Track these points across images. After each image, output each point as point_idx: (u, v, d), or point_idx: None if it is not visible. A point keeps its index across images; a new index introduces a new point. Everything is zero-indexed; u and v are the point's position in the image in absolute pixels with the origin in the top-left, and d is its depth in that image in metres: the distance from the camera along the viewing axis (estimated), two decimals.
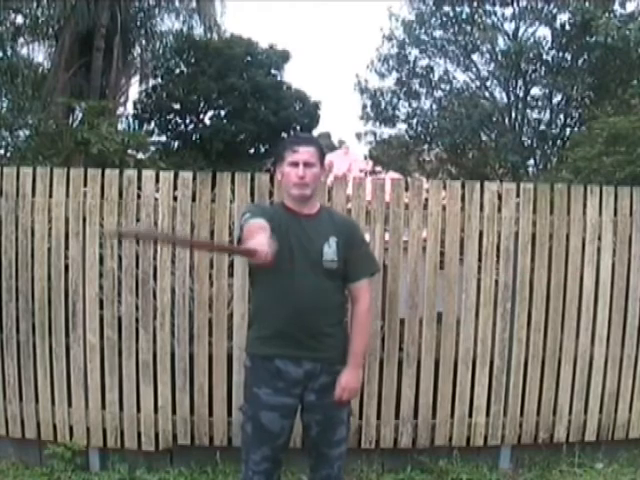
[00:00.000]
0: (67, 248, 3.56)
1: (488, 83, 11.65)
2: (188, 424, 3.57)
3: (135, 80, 14.81)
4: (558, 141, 11.04)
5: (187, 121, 15.95)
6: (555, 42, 10.54)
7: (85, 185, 3.55)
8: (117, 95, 13.21)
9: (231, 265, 3.56)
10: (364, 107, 12.14)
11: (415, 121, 11.90)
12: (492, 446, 3.69)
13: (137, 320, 3.55)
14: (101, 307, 3.56)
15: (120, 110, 13.71)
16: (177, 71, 15.47)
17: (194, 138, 15.75)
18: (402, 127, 12.21)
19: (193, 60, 15.21)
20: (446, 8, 11.15)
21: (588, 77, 9.92)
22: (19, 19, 11.90)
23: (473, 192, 3.65)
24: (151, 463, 3.61)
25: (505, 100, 11.38)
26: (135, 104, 15.36)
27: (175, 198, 3.57)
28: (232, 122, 15.17)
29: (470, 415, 3.66)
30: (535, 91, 11.16)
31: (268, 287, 2.51)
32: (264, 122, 15.07)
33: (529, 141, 11.37)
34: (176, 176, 3.58)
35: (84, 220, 3.54)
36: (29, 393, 3.58)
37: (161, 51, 14.43)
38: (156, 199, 3.57)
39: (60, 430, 3.57)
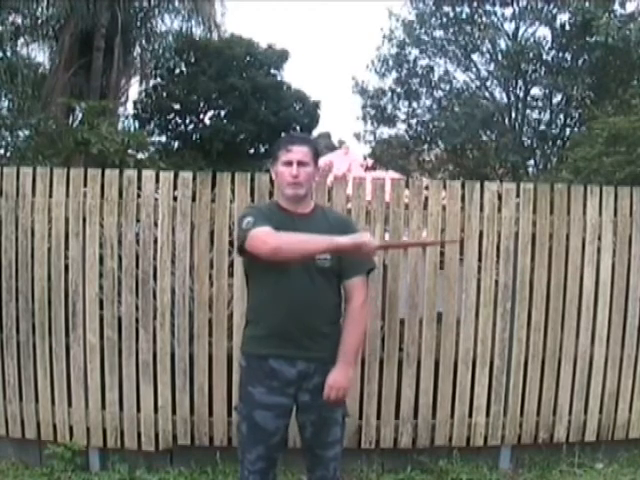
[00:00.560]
0: (67, 248, 3.56)
1: (488, 83, 11.64)
2: (188, 424, 3.57)
3: (135, 80, 14.83)
4: (558, 141, 11.03)
5: (187, 121, 15.94)
6: (555, 42, 10.54)
7: (85, 185, 3.55)
8: (117, 95, 13.21)
9: (231, 265, 3.56)
10: (364, 107, 12.13)
11: (415, 121, 11.89)
12: (492, 446, 3.69)
13: (137, 320, 3.56)
14: (101, 307, 3.56)
15: (120, 110, 13.72)
16: (177, 71, 15.46)
17: (194, 138, 15.75)
18: (402, 127, 12.21)
19: (193, 60, 15.20)
20: (446, 8, 11.14)
21: (588, 77, 9.91)
22: (19, 19, 11.90)
23: (473, 192, 3.65)
24: (151, 463, 3.61)
25: (505, 100, 11.37)
26: (135, 104, 15.36)
27: (175, 198, 3.57)
28: (232, 122, 15.17)
29: (470, 415, 3.66)
30: (535, 91, 11.15)
31: (263, 287, 2.52)
32: (264, 122, 15.07)
33: (529, 141, 11.36)
34: (176, 176, 3.58)
35: (84, 220, 3.55)
36: (29, 393, 3.58)
37: (161, 51, 14.42)
38: (156, 199, 3.57)
39: (60, 430, 3.57)
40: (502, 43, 10.97)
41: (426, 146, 12.21)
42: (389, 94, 11.89)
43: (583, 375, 3.74)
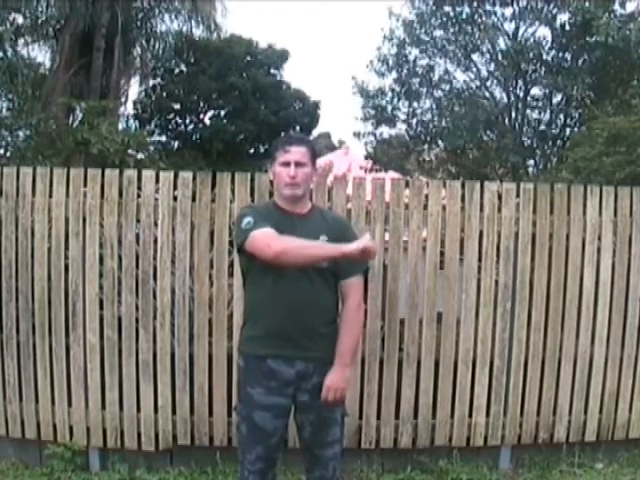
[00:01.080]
0: (67, 248, 3.56)
1: (488, 83, 11.63)
2: (188, 424, 3.57)
3: (135, 80, 14.84)
4: (558, 141, 11.03)
5: (187, 121, 15.96)
6: (555, 42, 10.53)
7: (85, 185, 3.55)
8: (117, 95, 13.21)
9: (231, 265, 3.56)
10: (364, 107, 12.13)
11: (415, 121, 11.88)
12: (492, 446, 3.69)
13: (137, 320, 3.56)
14: (101, 307, 3.56)
15: (120, 110, 13.71)
16: (177, 71, 15.49)
17: (194, 138, 15.76)
18: (402, 127, 12.20)
19: (193, 60, 15.22)
20: (446, 8, 11.14)
21: (588, 77, 9.91)
22: (19, 19, 11.91)
23: (473, 192, 3.65)
24: (151, 463, 3.61)
25: (505, 100, 11.37)
26: (135, 104, 15.38)
27: (175, 198, 3.57)
28: (232, 122, 15.19)
29: (470, 415, 3.66)
30: (535, 91, 11.15)
31: (260, 287, 2.52)
32: (264, 122, 15.09)
33: (529, 141, 11.35)
34: (176, 176, 3.58)
35: (84, 220, 3.55)
36: (29, 393, 3.58)
37: (161, 51, 14.42)
38: (156, 199, 3.57)
39: (60, 430, 3.57)
40: (502, 43, 10.97)
41: (426, 146, 12.21)
42: (389, 94, 11.89)
43: (583, 375, 3.74)
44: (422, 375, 3.62)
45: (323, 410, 2.53)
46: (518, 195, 3.70)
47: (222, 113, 15.82)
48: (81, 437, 3.57)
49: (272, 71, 16.11)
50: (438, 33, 11.48)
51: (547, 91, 10.96)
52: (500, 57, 10.96)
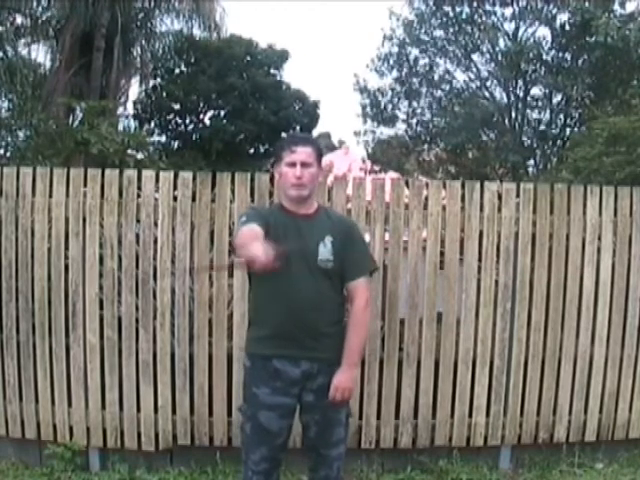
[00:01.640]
0: (67, 248, 3.56)
1: (488, 83, 11.64)
2: (188, 424, 3.57)
3: (135, 80, 14.83)
4: (558, 141, 11.03)
5: (187, 121, 15.96)
6: (555, 42, 10.54)
7: (85, 185, 3.55)
8: (117, 95, 13.21)
9: (231, 265, 3.56)
10: (364, 107, 12.13)
11: (415, 121, 11.89)
12: (492, 446, 3.69)
13: (137, 320, 3.55)
14: (101, 307, 3.56)
15: (120, 110, 13.71)
16: (177, 71, 15.48)
17: (194, 138, 15.75)
18: (402, 127, 12.21)
19: (193, 60, 15.22)
20: (446, 8, 11.15)
21: (588, 77, 9.91)
22: (19, 19, 11.91)
23: (473, 192, 3.65)
24: (151, 463, 3.61)
25: (505, 100, 11.38)
26: (135, 104, 15.37)
27: (175, 198, 3.57)
28: (232, 122, 15.18)
29: (470, 415, 3.66)
30: (535, 91, 11.16)
31: (266, 288, 2.51)
32: (264, 122, 15.08)
33: (529, 141, 11.36)
34: (176, 176, 3.58)
35: (84, 220, 3.54)
36: (29, 393, 3.58)
37: (161, 51, 14.43)
38: (156, 199, 3.57)
39: (60, 430, 3.57)
40: (502, 43, 10.98)
41: (426, 146, 12.21)
42: (389, 94, 11.90)
43: (583, 375, 3.73)
44: (422, 375, 3.62)
45: (328, 410, 2.54)
46: (518, 195, 3.70)
47: (222, 113, 15.81)
48: (81, 437, 3.57)
49: (272, 71, 16.10)
50: (438, 33, 11.49)
51: (547, 91, 10.97)
52: (500, 57, 10.97)
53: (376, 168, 12.32)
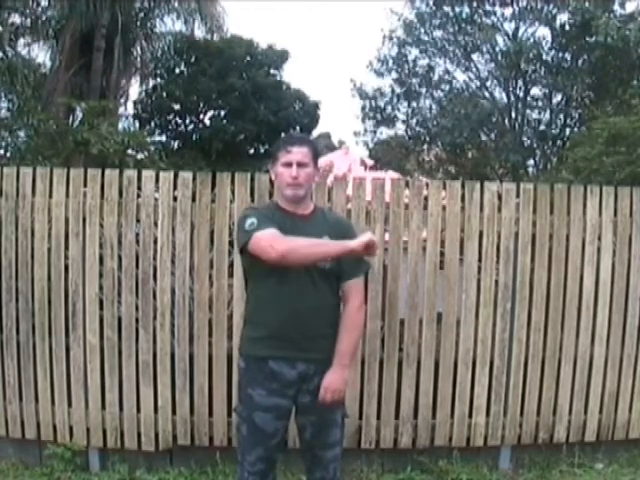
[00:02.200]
0: (67, 248, 3.56)
1: (488, 83, 11.66)
2: (188, 424, 3.57)
3: (135, 80, 14.84)
4: (558, 141, 11.04)
5: (187, 121, 15.95)
6: (555, 42, 10.55)
7: (85, 185, 3.55)
8: (117, 95, 13.21)
9: (231, 265, 3.56)
10: (363, 108, 12.14)
11: (415, 121, 11.91)
12: (492, 446, 3.69)
13: (137, 320, 3.55)
14: (101, 307, 3.56)
15: (120, 110, 13.71)
16: (177, 71, 15.47)
17: (194, 138, 15.75)
18: (401, 127, 12.22)
19: (193, 60, 15.21)
20: (446, 8, 11.15)
21: (588, 77, 9.93)
22: (19, 19, 11.90)
23: (473, 192, 3.65)
24: (151, 463, 3.61)
25: (505, 100, 11.39)
26: (135, 104, 15.37)
27: (175, 198, 3.57)
28: (232, 122, 15.17)
29: (470, 415, 3.66)
30: (535, 91, 11.19)
31: (263, 288, 2.51)
32: (264, 122, 15.07)
33: (529, 141, 11.37)
34: (176, 176, 3.58)
35: (84, 220, 3.54)
36: (29, 393, 3.58)
37: (161, 51, 14.43)
38: (156, 199, 3.57)
39: (60, 430, 3.57)
40: (502, 43, 10.99)
41: (426, 146, 12.22)
42: (389, 94, 11.91)
43: (583, 375, 3.73)
44: (422, 375, 3.62)
45: (324, 411, 2.53)
46: (518, 195, 3.70)
47: (222, 113, 15.80)
48: (81, 437, 3.57)
49: (272, 71, 16.09)
50: (438, 33, 11.50)
51: (547, 91, 10.98)
52: (500, 57, 10.98)
53: (376, 166, 12.33)
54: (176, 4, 13.84)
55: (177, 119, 15.88)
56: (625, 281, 3.74)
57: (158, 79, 15.39)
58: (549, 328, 3.68)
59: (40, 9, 12.11)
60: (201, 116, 15.96)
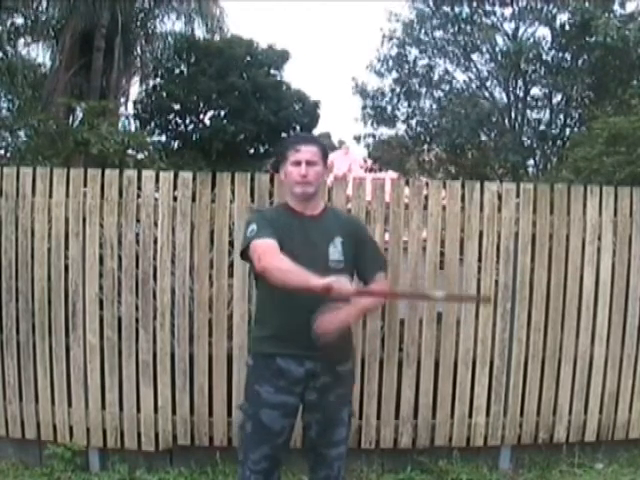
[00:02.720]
0: (67, 248, 3.56)
1: (488, 83, 11.63)
2: (188, 424, 3.57)
3: (135, 80, 14.84)
4: (558, 141, 11.02)
5: (187, 121, 15.93)
6: (555, 42, 10.53)
7: (85, 185, 3.55)
8: (117, 95, 13.21)
9: (231, 265, 3.56)
10: (364, 107, 12.13)
11: (415, 121, 11.89)
12: (492, 446, 3.69)
13: (137, 320, 3.56)
14: (101, 307, 3.56)
15: (120, 110, 13.70)
16: (177, 71, 15.46)
17: (194, 138, 15.73)
18: (402, 127, 12.21)
19: (193, 60, 15.20)
20: (446, 8, 11.14)
21: (588, 77, 9.91)
22: (19, 19, 11.91)
23: (473, 192, 3.66)
24: (151, 463, 3.61)
25: (505, 100, 11.37)
26: (135, 104, 15.35)
27: (175, 198, 3.57)
28: (232, 122, 15.16)
29: (470, 415, 3.66)
30: (535, 91, 11.15)
31: (270, 288, 2.50)
32: (264, 122, 15.06)
33: (529, 141, 11.35)
34: (176, 176, 3.58)
35: (84, 220, 3.55)
36: (29, 393, 3.58)
37: (161, 51, 14.43)
38: (156, 199, 3.57)
39: (60, 430, 3.57)
40: (502, 43, 10.98)
41: (426, 146, 12.21)
42: (389, 94, 11.90)
43: (583, 375, 3.74)
44: (422, 375, 3.62)
45: (330, 409, 2.53)
46: (518, 195, 3.70)
47: (222, 113, 15.78)
48: (81, 437, 3.57)
49: (272, 71, 16.08)
50: (438, 33, 11.48)
51: (547, 91, 10.96)
52: (500, 57, 10.96)
53: (375, 167, 12.32)
54: (174, 4, 13.84)
55: (177, 119, 15.86)
56: (625, 281, 3.74)
57: (158, 79, 15.38)
58: (549, 328, 3.69)
59: (40, 9, 12.10)
60: (201, 116, 15.95)
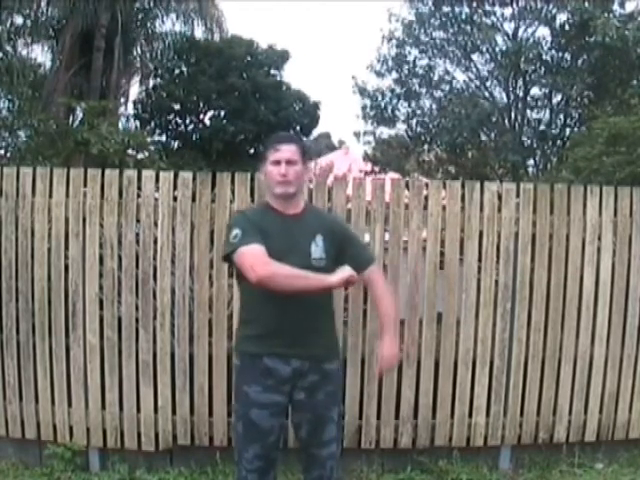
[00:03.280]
0: (67, 248, 3.56)
1: (488, 83, 11.63)
2: (188, 424, 3.57)
3: (135, 80, 14.84)
4: (558, 141, 11.02)
5: (187, 121, 15.94)
6: (554, 42, 10.53)
7: (85, 185, 3.55)
8: (117, 95, 13.21)
9: (230, 266, 3.56)
10: (364, 108, 12.13)
11: (415, 121, 11.89)
12: (492, 446, 3.69)
13: (137, 320, 3.56)
14: (101, 307, 3.56)
15: (120, 110, 13.71)
16: (177, 71, 15.46)
17: (194, 138, 15.74)
18: (402, 127, 12.21)
19: (193, 60, 15.20)
20: (445, 8, 11.14)
21: (587, 77, 9.91)
22: (19, 19, 11.91)
23: (473, 192, 3.66)
24: (151, 463, 3.61)
25: (505, 100, 11.37)
26: (135, 104, 15.36)
27: (175, 198, 3.57)
28: (232, 122, 15.16)
29: (470, 415, 3.66)
30: (535, 91, 11.15)
31: (255, 287, 2.50)
32: (264, 122, 15.06)
33: (529, 141, 11.35)
34: (176, 176, 3.58)
35: (84, 220, 3.55)
36: (29, 393, 3.58)
37: (160, 51, 14.43)
38: (156, 199, 3.57)
39: (60, 430, 3.57)
40: (501, 43, 10.98)
41: (426, 146, 12.21)
42: (389, 94, 11.89)
43: (583, 375, 3.73)
44: (422, 375, 3.62)
45: (319, 408, 2.53)
46: (518, 195, 3.70)
47: (222, 113, 15.79)
48: (81, 437, 3.57)
49: (272, 71, 16.09)
50: (437, 33, 11.48)
51: (547, 91, 10.97)
52: (500, 57, 10.97)
53: (376, 169, 12.32)
54: (173, 4, 13.84)
55: (177, 119, 15.87)
56: (625, 281, 3.74)
57: (158, 79, 15.39)
58: (549, 328, 3.69)
59: (40, 9, 12.10)
60: (201, 116, 15.96)
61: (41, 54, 13.10)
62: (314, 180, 3.91)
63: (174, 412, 3.57)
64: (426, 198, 3.66)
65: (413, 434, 3.65)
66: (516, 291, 3.67)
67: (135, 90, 15.49)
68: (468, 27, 11.04)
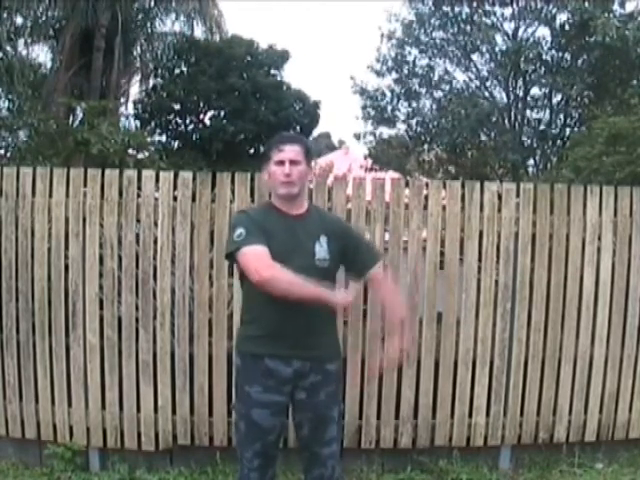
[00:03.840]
0: (67, 248, 3.56)
1: (488, 83, 11.63)
2: (188, 424, 3.57)
3: (135, 80, 14.83)
4: (558, 141, 11.02)
5: (187, 121, 15.92)
6: (554, 42, 10.53)
7: (85, 185, 3.55)
8: (117, 95, 13.20)
9: (231, 265, 3.56)
10: (364, 107, 12.13)
11: (415, 121, 11.88)
12: (492, 446, 3.69)
13: (137, 320, 3.56)
14: (101, 307, 3.56)
15: (120, 110, 13.71)
16: (177, 71, 15.45)
17: (194, 138, 15.72)
18: (402, 127, 12.20)
19: (193, 60, 15.19)
20: (445, 8, 11.14)
21: (587, 77, 9.91)
22: (19, 19, 11.90)
23: (473, 192, 3.66)
24: (151, 463, 3.61)
25: (505, 100, 11.37)
26: (135, 104, 15.35)
27: (175, 198, 3.57)
28: (232, 122, 15.15)
29: (470, 415, 3.66)
30: (535, 91, 11.14)
31: (258, 289, 2.50)
32: (264, 122, 15.05)
33: (529, 141, 11.35)
34: (176, 176, 3.58)
35: (84, 220, 3.55)
36: (29, 393, 3.58)
37: (160, 52, 14.43)
38: (156, 199, 3.57)
39: (60, 430, 3.57)
40: (501, 43, 10.98)
41: (426, 146, 12.21)
42: (389, 94, 11.89)
43: (583, 375, 3.74)
44: (422, 375, 3.62)
45: (320, 408, 2.54)
46: (518, 195, 3.70)
47: (222, 113, 15.77)
48: (81, 437, 3.57)
49: (272, 71, 16.06)
50: (437, 33, 11.48)
51: (547, 91, 10.96)
52: (500, 57, 10.96)
53: (376, 167, 12.32)
54: (173, 4, 13.83)
55: (177, 119, 15.85)
56: (625, 281, 3.74)
57: (158, 79, 15.38)
58: (549, 328, 3.69)
59: (40, 9, 12.09)
60: (201, 116, 15.94)
61: (41, 54, 13.12)
62: (314, 180, 3.91)
63: (174, 412, 3.57)
64: (426, 198, 3.66)
65: (413, 434, 3.65)
66: (516, 291, 3.67)
67: (135, 90, 15.49)
68: (468, 27, 11.03)
